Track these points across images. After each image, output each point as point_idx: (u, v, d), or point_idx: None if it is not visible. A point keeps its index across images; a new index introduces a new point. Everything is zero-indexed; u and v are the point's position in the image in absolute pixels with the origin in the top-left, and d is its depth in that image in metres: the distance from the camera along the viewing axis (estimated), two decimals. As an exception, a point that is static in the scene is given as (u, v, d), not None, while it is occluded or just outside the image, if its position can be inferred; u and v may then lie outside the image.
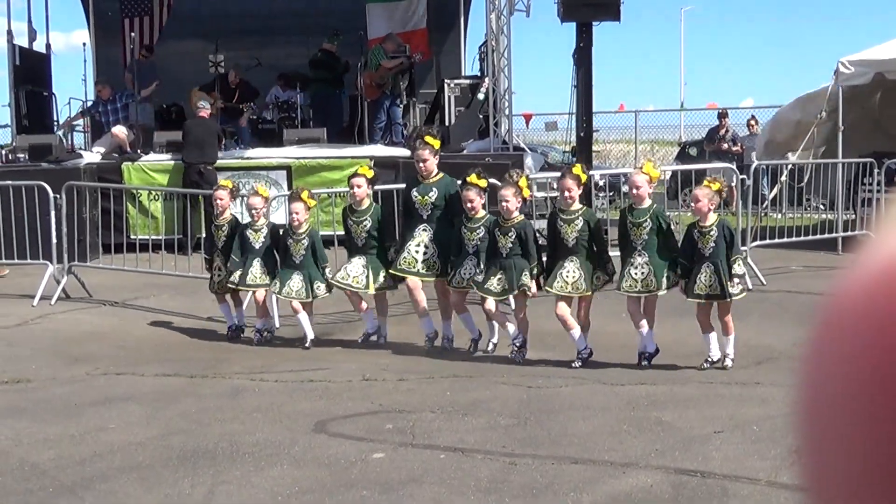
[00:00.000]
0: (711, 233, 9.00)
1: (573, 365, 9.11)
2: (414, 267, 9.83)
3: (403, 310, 10.96)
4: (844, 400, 0.58)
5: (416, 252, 9.84)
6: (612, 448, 6.75)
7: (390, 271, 9.97)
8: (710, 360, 9.00)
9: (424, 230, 9.89)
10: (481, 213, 9.70)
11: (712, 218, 9.08)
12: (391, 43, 19.60)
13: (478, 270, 9.53)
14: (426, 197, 9.92)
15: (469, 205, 9.61)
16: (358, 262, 10.07)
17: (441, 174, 10.08)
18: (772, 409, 7.47)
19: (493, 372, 8.97)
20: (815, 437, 0.61)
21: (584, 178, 9.46)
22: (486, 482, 6.18)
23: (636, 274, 9.10)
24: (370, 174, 10.32)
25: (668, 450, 6.69)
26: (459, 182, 9.83)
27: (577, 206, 9.32)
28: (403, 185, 10.73)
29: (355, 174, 10.31)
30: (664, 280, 9.07)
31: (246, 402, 8.09)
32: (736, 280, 9.00)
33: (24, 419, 7.71)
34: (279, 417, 7.63)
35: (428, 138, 10.11)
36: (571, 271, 9.20)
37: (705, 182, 9.19)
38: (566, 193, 9.31)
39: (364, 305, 10.18)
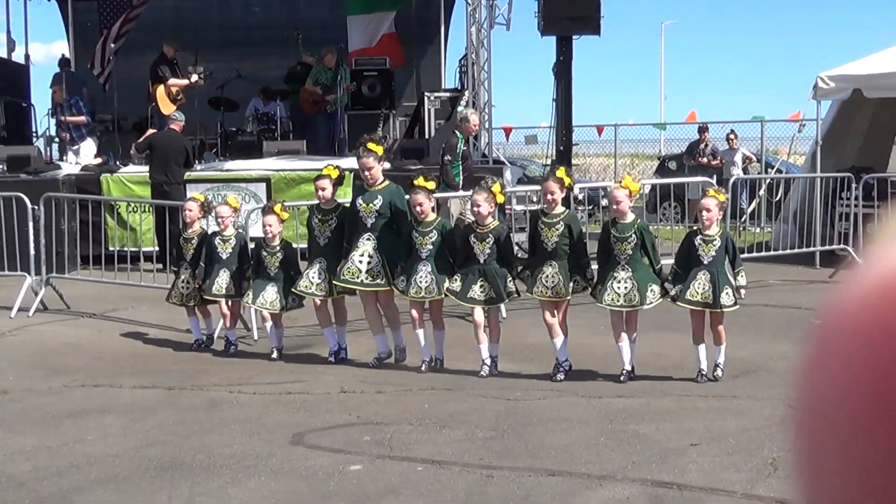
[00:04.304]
0: (715, 242, 8.97)
1: (556, 378, 8.98)
2: (357, 277, 9.53)
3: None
4: (843, 413, 0.58)
5: (360, 262, 9.54)
6: (589, 460, 6.77)
7: (334, 282, 9.67)
8: (703, 372, 8.83)
9: (368, 240, 9.57)
10: (432, 216, 9.47)
11: (717, 228, 9.08)
12: (331, 55, 19.61)
13: (447, 278, 9.31)
14: (370, 205, 9.60)
15: (417, 208, 9.37)
16: (317, 267, 9.84)
17: (387, 181, 9.77)
18: (748, 422, 7.52)
19: (471, 384, 8.97)
20: (813, 450, 0.60)
21: (567, 181, 9.23)
22: (464, 495, 6.19)
23: (619, 288, 8.88)
24: (335, 174, 10.03)
25: (645, 462, 6.72)
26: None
27: (559, 209, 9.16)
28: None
29: (319, 176, 10.09)
30: (648, 295, 8.90)
31: (224, 415, 8.08)
32: (742, 291, 8.99)
33: (1, 431, 7.68)
34: (257, 429, 7.62)
35: (371, 145, 9.68)
36: (551, 276, 9.06)
37: (711, 192, 9.15)
38: (549, 196, 9.11)
39: (331, 312, 10.03)
